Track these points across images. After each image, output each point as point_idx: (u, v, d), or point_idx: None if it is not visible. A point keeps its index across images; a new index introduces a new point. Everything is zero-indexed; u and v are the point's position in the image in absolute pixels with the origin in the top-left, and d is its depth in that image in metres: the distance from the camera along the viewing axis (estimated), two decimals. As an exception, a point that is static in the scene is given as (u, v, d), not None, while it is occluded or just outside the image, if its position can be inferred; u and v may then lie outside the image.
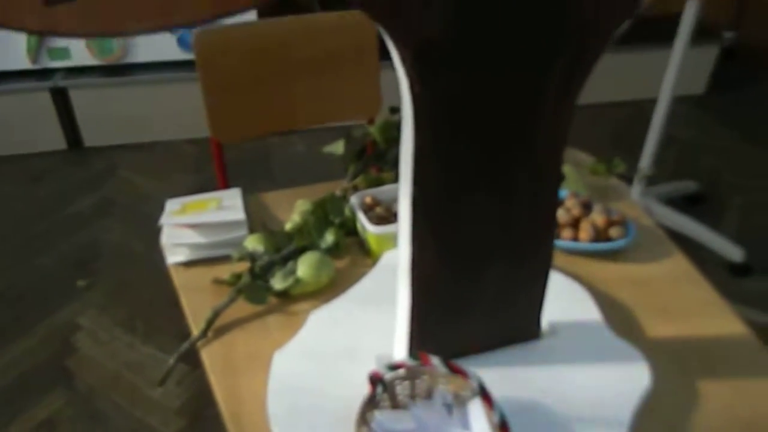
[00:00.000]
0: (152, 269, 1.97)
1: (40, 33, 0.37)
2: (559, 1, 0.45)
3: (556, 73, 0.48)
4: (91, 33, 0.36)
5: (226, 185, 1.46)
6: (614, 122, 2.83)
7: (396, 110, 0.96)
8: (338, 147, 0.92)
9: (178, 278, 0.84)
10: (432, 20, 0.43)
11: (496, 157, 0.53)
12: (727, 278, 1.99)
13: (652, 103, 2.13)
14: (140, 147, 2.64)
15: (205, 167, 2.53)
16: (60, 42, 2.50)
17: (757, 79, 3.24)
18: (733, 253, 1.99)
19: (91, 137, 2.63)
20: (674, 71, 1.97)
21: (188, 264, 0.84)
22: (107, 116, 2.60)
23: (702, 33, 2.68)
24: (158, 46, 2.51)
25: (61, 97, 2.52)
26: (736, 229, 2.19)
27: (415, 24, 0.43)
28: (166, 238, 0.84)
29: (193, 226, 0.84)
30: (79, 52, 2.50)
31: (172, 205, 0.91)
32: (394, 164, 0.97)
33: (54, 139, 2.59)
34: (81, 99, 2.55)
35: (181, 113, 2.63)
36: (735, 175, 2.49)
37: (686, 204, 2.30)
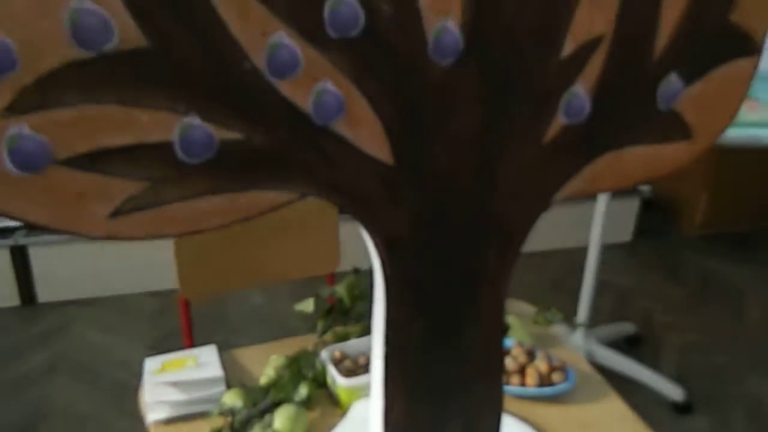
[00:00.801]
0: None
1: (105, 239, 0.47)
2: (485, 214, 0.59)
3: (492, 257, 0.62)
4: (157, 236, 0.47)
5: (192, 343, 1.51)
6: (551, 270, 3.05)
7: (358, 271, 1.09)
8: (308, 305, 1.02)
9: (158, 436, 0.88)
10: (400, 219, 0.56)
11: (451, 319, 0.65)
12: (670, 417, 2.09)
13: (584, 250, 2.35)
14: (96, 302, 2.65)
15: (164, 321, 2.55)
16: (24, 202, 2.58)
17: (675, 225, 3.59)
18: (674, 392, 2.11)
19: (45, 293, 2.63)
20: (600, 221, 2.21)
21: (169, 421, 0.89)
22: (64, 272, 2.63)
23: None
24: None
25: (20, 254, 2.56)
26: (675, 367, 2.33)
27: (386, 221, 0.56)
28: (149, 396, 0.89)
29: (173, 383, 0.90)
30: (43, 211, 2.59)
31: (151, 364, 0.97)
32: (358, 319, 1.07)
33: (6, 296, 2.58)
34: (40, 256, 2.59)
35: (140, 266, 2.69)
36: (667, 315, 2.69)
37: (626, 345, 2.45)
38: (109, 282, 2.69)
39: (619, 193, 2.34)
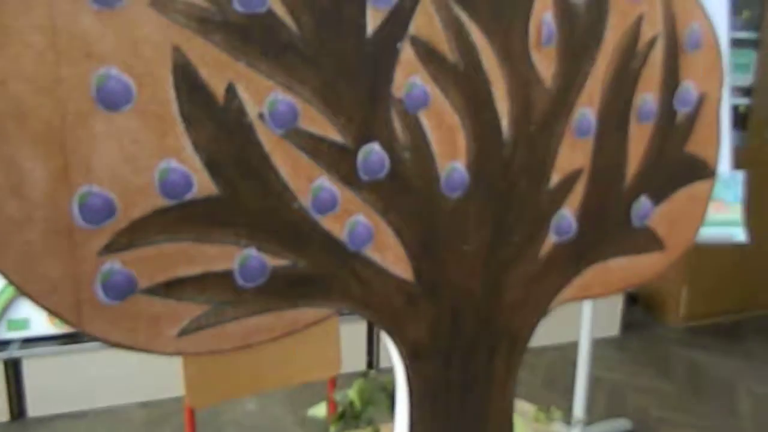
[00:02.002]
0: None
1: (173, 355, 0.55)
2: (493, 322, 0.68)
3: (500, 360, 0.70)
4: (215, 351, 0.55)
5: (195, 451, 1.52)
6: (544, 367, 3.08)
7: (367, 375, 1.14)
8: (321, 410, 1.07)
9: None
10: (421, 329, 0.64)
11: (466, 418, 0.71)
12: None
13: (574, 346, 2.41)
14: (87, 415, 2.61)
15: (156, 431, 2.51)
16: (21, 313, 2.61)
17: (659, 318, 3.67)
18: (674, 488, 2.10)
19: (36, 407, 2.59)
20: (588, 318, 2.29)
21: None
22: (57, 385, 2.60)
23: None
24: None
25: (13, 368, 2.54)
26: (673, 464, 2.32)
27: (410, 331, 0.64)
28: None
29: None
30: (39, 322, 2.60)
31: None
32: (368, 422, 1.11)
33: (-3, 412, 2.54)
34: (33, 369, 2.57)
35: (132, 377, 2.67)
36: (661, 410, 2.71)
37: (623, 442, 2.45)
38: (100, 393, 2.66)
39: (603, 289, 2.45)
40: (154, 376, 2.69)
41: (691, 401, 2.79)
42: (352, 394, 1.08)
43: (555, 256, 0.71)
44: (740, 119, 3.31)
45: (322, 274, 0.59)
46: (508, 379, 0.73)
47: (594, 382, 2.72)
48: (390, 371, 0.81)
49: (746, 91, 3.31)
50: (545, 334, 3.41)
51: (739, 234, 1.92)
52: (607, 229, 0.73)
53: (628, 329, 3.48)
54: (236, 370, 1.57)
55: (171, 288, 0.54)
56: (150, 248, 0.52)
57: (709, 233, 1.90)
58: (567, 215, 0.70)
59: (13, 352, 2.52)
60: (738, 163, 2.07)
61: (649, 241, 0.75)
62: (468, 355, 0.68)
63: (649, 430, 2.55)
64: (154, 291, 0.53)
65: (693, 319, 3.59)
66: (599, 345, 3.09)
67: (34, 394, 2.58)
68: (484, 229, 0.66)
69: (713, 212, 1.91)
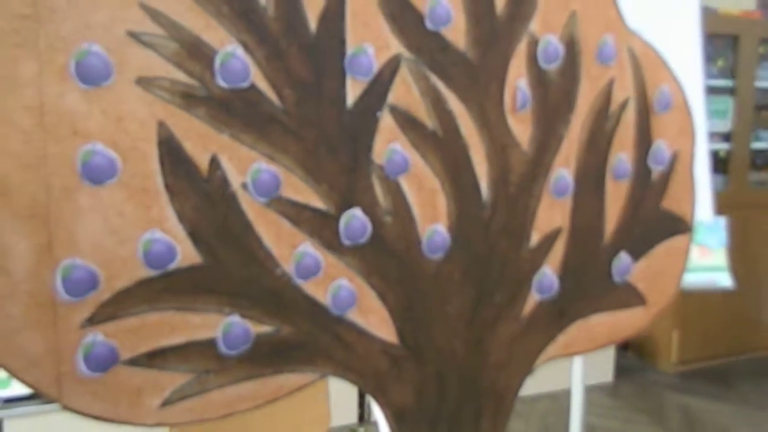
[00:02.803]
0: None
1: (155, 426, 0.54)
2: (478, 383, 0.68)
3: (486, 421, 0.70)
4: (198, 420, 0.54)
5: None
6: (537, 416, 3.04)
7: (353, 431, 1.13)
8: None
9: None
10: (406, 391, 0.64)
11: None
12: None
13: (568, 393, 2.38)
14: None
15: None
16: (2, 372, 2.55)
17: (652, 363, 3.65)
18: None
19: (16, 470, 2.51)
20: (579, 365, 2.27)
21: None
22: (39, 445, 2.53)
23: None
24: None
25: (-7, 429, 2.47)
26: None
27: (395, 394, 0.64)
28: None
29: None
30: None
31: None
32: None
33: (-25, 475, 2.45)
34: (16, 429, 2.50)
35: None
36: (657, 459, 2.66)
37: (620, 493, 2.40)
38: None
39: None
40: (140, 434, 2.61)
41: (687, 449, 2.75)
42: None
43: (538, 315, 0.71)
44: (721, 163, 3.38)
45: (305, 339, 0.60)
46: (495, 439, 0.72)
47: (588, 430, 2.68)
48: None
49: (725, 137, 3.39)
50: (538, 382, 3.37)
51: (725, 279, 1.94)
52: (589, 286, 0.74)
53: (621, 375, 3.45)
54: (224, 430, 1.54)
55: (154, 358, 0.53)
56: (133, 319, 0.52)
57: (694, 279, 1.92)
58: (548, 273, 0.71)
59: (-6, 413, 2.45)
60: (720, 206, 2.11)
61: (631, 297, 0.76)
62: (454, 417, 0.68)
63: (646, 480, 2.50)
64: (136, 362, 0.53)
65: (685, 363, 3.58)
66: (592, 392, 3.06)
67: (14, 456, 2.51)
68: (467, 290, 0.67)
69: (698, 258, 1.94)
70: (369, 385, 0.64)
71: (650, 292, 0.78)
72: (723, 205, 2.12)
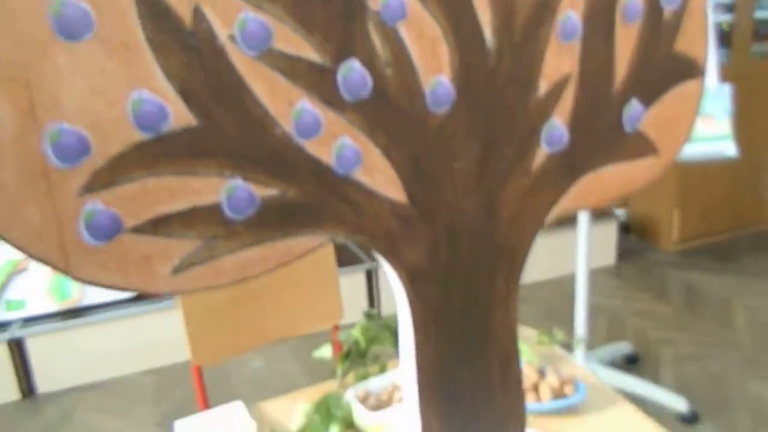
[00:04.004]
0: None
1: (171, 294, 0.54)
2: (491, 239, 0.67)
3: (501, 279, 0.69)
4: (210, 287, 0.54)
5: (207, 407, 1.54)
6: (543, 300, 3.12)
7: (370, 315, 1.15)
8: (326, 351, 1.07)
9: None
10: (418, 251, 0.63)
11: (470, 340, 0.71)
12: (678, 428, 2.13)
13: (571, 278, 2.43)
14: (96, 386, 2.64)
15: (166, 397, 2.54)
16: (16, 293, 2.60)
17: (653, 244, 3.71)
18: (678, 404, 2.16)
19: (45, 383, 2.61)
20: (584, 247, 2.30)
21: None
22: (62, 360, 2.62)
23: (598, 213, 3.14)
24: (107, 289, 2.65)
25: (17, 348, 2.55)
26: (675, 380, 2.38)
27: (407, 254, 0.63)
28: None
29: (208, 441, 0.94)
30: (36, 300, 2.60)
31: (181, 426, 1.01)
32: (374, 360, 1.12)
33: (6, 391, 2.56)
34: (37, 346, 2.58)
35: (136, 346, 2.69)
36: (660, 331, 2.76)
37: (625, 364, 2.51)
38: (106, 365, 2.68)
39: (597, 218, 2.46)
40: (159, 344, 2.71)
41: (688, 320, 2.85)
42: (356, 333, 1.09)
43: (548, 168, 0.69)
44: (724, 36, 3.26)
45: (312, 201, 0.58)
46: (509, 297, 0.72)
47: (593, 310, 2.77)
48: (392, 316, 0.81)
49: (728, 7, 3.26)
50: (542, 269, 3.47)
51: (730, 148, 1.92)
52: (600, 137, 0.71)
53: (623, 257, 3.52)
54: (238, 326, 1.57)
55: (158, 225, 0.52)
56: (131, 185, 0.50)
57: (699, 149, 1.90)
58: (558, 125, 0.68)
59: (15, 332, 2.52)
60: (724, 79, 2.05)
61: (642, 146, 0.74)
62: (468, 276, 0.68)
63: (649, 351, 2.61)
64: (141, 229, 0.51)
65: (686, 241, 3.63)
66: (596, 274, 3.13)
67: (41, 371, 2.60)
68: (474, 145, 0.64)
69: (703, 128, 1.90)
70: (381, 246, 0.63)
71: (661, 140, 0.75)
72: (726, 77, 2.06)
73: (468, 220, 0.66)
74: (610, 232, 3.47)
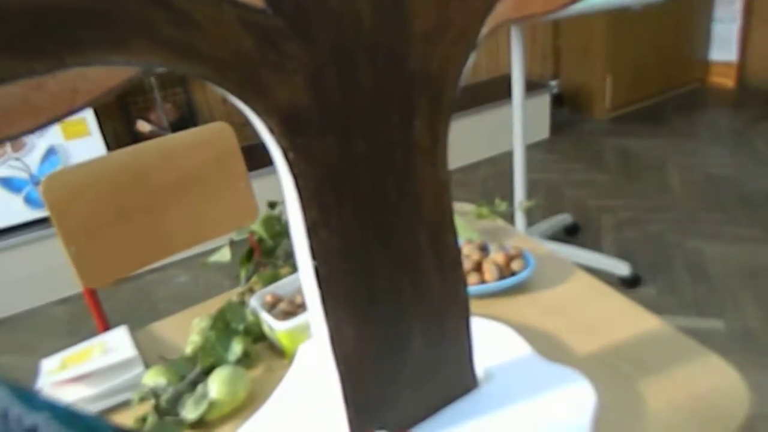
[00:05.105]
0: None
1: None
2: (402, 65, 0.46)
3: (421, 122, 0.49)
4: None
5: (109, 333, 1.33)
6: (479, 181, 3.00)
7: (275, 204, 0.94)
8: (224, 254, 0.87)
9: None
10: (294, 85, 0.42)
11: (385, 210, 0.52)
12: (621, 292, 2.10)
13: (507, 156, 2.28)
14: (4, 323, 2.38)
15: (80, 327, 2.32)
16: None
17: (587, 114, 3.61)
18: (621, 268, 2.12)
19: (-59, 327, 2.33)
20: (519, 122, 2.14)
21: (81, 423, 0.73)
22: (-42, 299, 2.33)
23: (531, 86, 2.97)
24: (6, 210, 2.34)
25: None
26: (616, 246, 2.34)
27: (277, 91, 0.42)
28: (49, 401, 0.73)
29: (79, 378, 0.74)
30: None
31: (49, 363, 0.80)
32: (286, 257, 0.93)
33: None
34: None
35: (43, 275, 2.42)
36: (598, 199, 2.70)
37: (566, 235, 2.44)
38: (13, 298, 2.42)
39: (529, 90, 2.28)
40: (65, 272, 2.44)
41: (625, 186, 2.79)
42: (258, 228, 0.88)
43: (477, -45, 0.48)
44: None
45: (98, 4, 0.35)
46: (435, 149, 0.53)
47: (531, 186, 2.66)
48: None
49: None
50: (477, 150, 3.32)
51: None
52: None
53: (557, 131, 3.41)
54: (133, 241, 1.34)
55: None
56: None
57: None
58: None
59: None
60: None
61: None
62: (372, 117, 0.47)
63: (589, 219, 2.55)
64: None
65: (618, 108, 3.55)
66: (530, 150, 3.01)
67: (-66, 315, 2.31)
68: None
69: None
70: (230, 81, 0.41)
71: None
72: None
73: (366, 38, 0.45)
74: (543, 105, 3.34)
